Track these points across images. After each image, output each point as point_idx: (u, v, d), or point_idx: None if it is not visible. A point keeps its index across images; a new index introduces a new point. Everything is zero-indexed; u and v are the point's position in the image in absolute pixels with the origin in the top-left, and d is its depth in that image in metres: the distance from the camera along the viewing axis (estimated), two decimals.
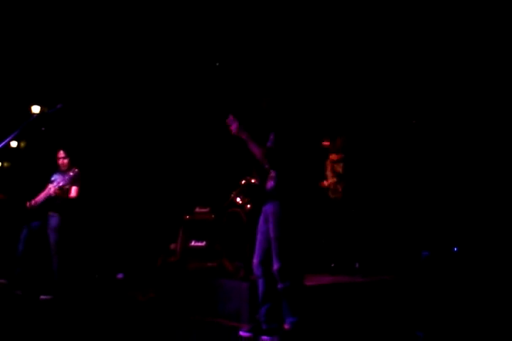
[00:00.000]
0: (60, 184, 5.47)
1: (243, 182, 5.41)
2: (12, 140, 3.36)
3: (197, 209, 5.95)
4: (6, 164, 8.64)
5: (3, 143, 3.19)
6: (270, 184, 3.69)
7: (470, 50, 6.39)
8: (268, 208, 3.65)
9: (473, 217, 6.46)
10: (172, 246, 5.92)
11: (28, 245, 5.69)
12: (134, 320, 4.45)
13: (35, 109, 7.82)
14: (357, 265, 5.46)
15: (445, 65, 6.60)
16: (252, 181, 5.34)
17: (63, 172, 5.75)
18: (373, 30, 6.59)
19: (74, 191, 5.65)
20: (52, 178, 5.81)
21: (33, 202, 5.75)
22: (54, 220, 5.65)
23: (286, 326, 3.48)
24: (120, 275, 6.99)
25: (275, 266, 3.49)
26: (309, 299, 3.72)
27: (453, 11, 6.16)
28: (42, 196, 5.70)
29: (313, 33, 6.68)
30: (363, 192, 5.78)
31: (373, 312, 4.31)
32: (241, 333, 3.69)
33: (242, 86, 6.91)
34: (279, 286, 3.48)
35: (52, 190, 5.48)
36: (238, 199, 5.37)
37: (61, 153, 5.82)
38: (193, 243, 5.71)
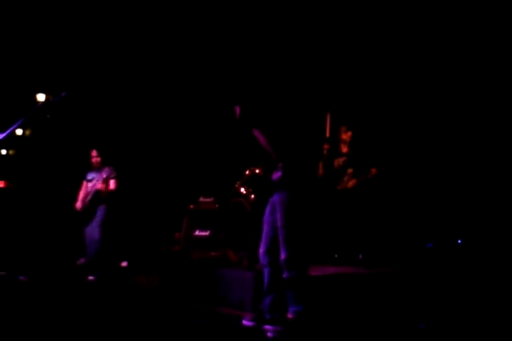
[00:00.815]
0: (104, 176, 5.91)
1: (247, 172, 5.40)
2: (17, 128, 3.38)
3: (201, 199, 5.96)
4: (11, 152, 8.67)
5: (8, 131, 3.20)
6: (277, 174, 3.68)
7: (472, 44, 6.34)
8: (276, 198, 3.64)
9: (477, 209, 6.45)
10: (176, 235, 5.94)
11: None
12: (137, 308, 4.48)
13: (41, 97, 7.83)
14: (360, 256, 5.46)
15: (447, 58, 6.54)
16: (257, 171, 5.32)
17: (98, 169, 6.11)
18: (376, 25, 6.53)
19: (112, 183, 6.04)
20: (89, 177, 6.17)
21: (79, 203, 6.09)
22: (101, 210, 6.03)
23: (289, 315, 3.48)
24: (124, 263, 7.04)
25: (282, 256, 3.48)
26: (312, 289, 3.72)
27: (455, 7, 6.09)
28: (88, 194, 6.05)
29: (317, 26, 6.62)
30: (368, 183, 5.76)
31: (376, 303, 4.32)
32: (244, 322, 3.69)
33: (246, 76, 6.87)
34: (285, 276, 3.47)
35: (98, 185, 5.90)
36: (242, 190, 5.36)
37: (94, 152, 6.18)
38: (197, 232, 5.72)
